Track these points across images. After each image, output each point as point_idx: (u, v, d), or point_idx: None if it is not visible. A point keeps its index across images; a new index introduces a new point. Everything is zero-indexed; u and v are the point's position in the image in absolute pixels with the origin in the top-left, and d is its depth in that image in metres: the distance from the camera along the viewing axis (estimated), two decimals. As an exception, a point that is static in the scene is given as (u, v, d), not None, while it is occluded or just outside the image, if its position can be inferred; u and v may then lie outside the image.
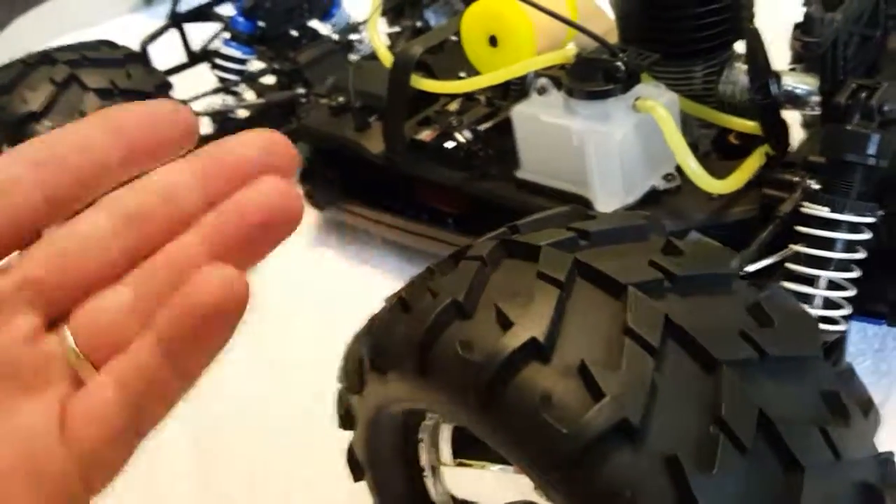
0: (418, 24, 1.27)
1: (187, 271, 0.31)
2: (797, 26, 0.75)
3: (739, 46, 0.91)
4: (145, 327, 0.32)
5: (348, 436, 0.67)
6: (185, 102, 1.13)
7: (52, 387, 0.31)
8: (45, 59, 1.07)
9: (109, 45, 1.15)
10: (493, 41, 0.93)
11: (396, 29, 1.34)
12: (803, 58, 0.88)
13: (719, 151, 0.93)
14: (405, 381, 0.51)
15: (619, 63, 0.81)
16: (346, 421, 0.65)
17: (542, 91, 0.89)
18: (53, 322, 0.32)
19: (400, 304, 0.53)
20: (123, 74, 1.06)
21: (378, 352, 0.54)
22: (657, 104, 0.80)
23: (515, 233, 0.53)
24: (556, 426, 0.37)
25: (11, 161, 0.31)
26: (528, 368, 0.40)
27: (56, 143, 0.32)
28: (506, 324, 0.42)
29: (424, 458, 0.67)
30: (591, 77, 0.83)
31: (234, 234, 0.33)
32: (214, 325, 0.31)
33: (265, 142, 0.35)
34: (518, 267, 0.47)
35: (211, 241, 0.33)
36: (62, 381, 0.32)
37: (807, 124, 1.03)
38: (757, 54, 0.80)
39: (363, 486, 0.69)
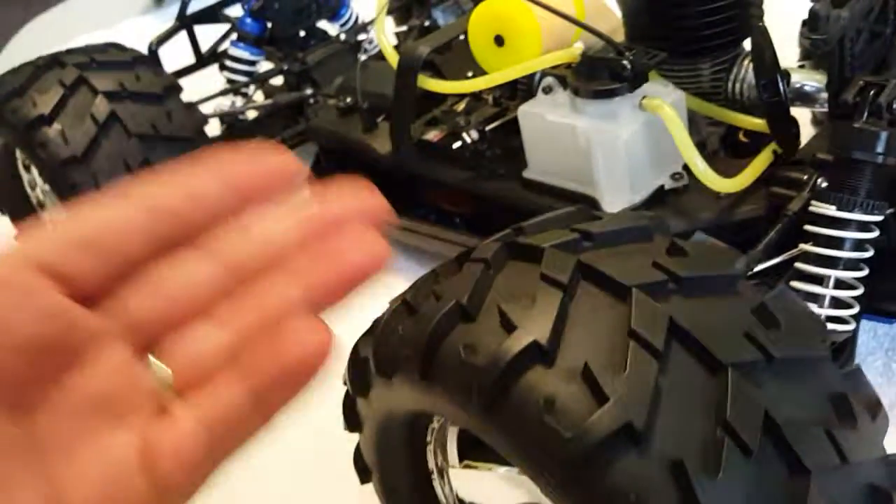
0: (426, 23, 1.27)
1: (280, 317, 0.34)
2: (805, 23, 0.74)
3: (748, 44, 0.90)
4: (233, 366, 0.34)
5: (355, 437, 0.67)
6: (194, 104, 1.14)
7: (139, 415, 0.33)
8: (55, 62, 1.07)
9: (118, 47, 1.15)
10: (499, 41, 0.92)
11: (405, 28, 1.33)
12: (812, 54, 0.87)
13: (728, 149, 0.93)
14: (410, 384, 0.50)
15: (625, 62, 0.81)
16: (353, 423, 0.65)
17: (548, 90, 0.89)
18: (144, 352, 0.34)
19: (404, 306, 0.53)
20: (132, 77, 1.06)
21: (383, 355, 0.54)
22: (663, 103, 0.80)
23: (520, 234, 0.53)
24: (560, 430, 0.36)
25: (127, 206, 0.33)
26: (532, 372, 0.40)
27: (170, 189, 0.34)
28: (509, 327, 0.42)
29: (432, 461, 0.66)
30: (598, 76, 0.83)
31: (325, 283, 0.36)
32: (300, 375, 0.34)
33: (362, 199, 0.38)
34: (522, 269, 0.47)
35: (304, 289, 0.35)
36: (148, 411, 0.34)
37: (817, 121, 1.02)
38: (764, 52, 0.79)
39: (370, 488, 0.69)
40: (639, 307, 0.40)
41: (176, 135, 1.04)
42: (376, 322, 0.58)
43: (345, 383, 0.63)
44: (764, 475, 0.36)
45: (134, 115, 1.02)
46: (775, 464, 0.36)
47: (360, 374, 0.59)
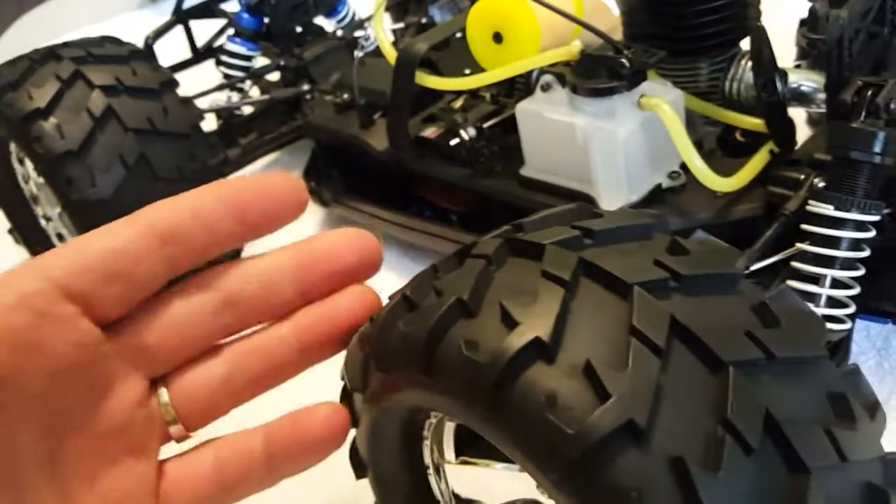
0: (423, 20, 1.27)
1: (277, 360, 0.39)
2: (803, 23, 0.75)
3: (745, 44, 0.91)
4: (261, 433, 0.39)
5: (351, 432, 0.67)
6: (189, 99, 1.14)
7: (153, 446, 0.36)
8: (51, 55, 1.06)
9: (114, 41, 1.15)
10: (497, 38, 0.92)
11: (401, 25, 1.33)
12: (809, 55, 0.88)
13: (724, 149, 0.93)
14: (409, 379, 0.50)
15: (623, 60, 0.81)
16: (350, 418, 0.65)
17: (546, 88, 0.89)
18: (153, 382, 0.36)
19: (404, 301, 0.53)
20: (129, 71, 1.06)
21: (382, 350, 0.54)
22: (662, 101, 0.80)
23: (520, 231, 0.53)
24: (562, 427, 0.36)
25: (140, 234, 0.35)
26: (534, 368, 0.40)
27: (180, 216, 0.36)
28: (510, 323, 0.42)
29: (428, 457, 0.66)
30: (596, 74, 0.83)
31: (322, 336, 0.41)
32: (315, 452, 0.40)
33: (356, 242, 0.42)
34: (523, 265, 0.47)
35: (301, 338, 0.40)
36: (160, 442, 0.36)
37: (812, 122, 1.03)
38: (762, 51, 0.80)
39: (365, 483, 0.69)
40: (640, 304, 0.40)
41: (172, 130, 1.04)
42: (375, 317, 0.57)
43: (342, 378, 0.63)
44: (764, 473, 0.36)
45: (130, 109, 1.02)
46: (775, 462, 0.36)
47: (358, 370, 0.59)
